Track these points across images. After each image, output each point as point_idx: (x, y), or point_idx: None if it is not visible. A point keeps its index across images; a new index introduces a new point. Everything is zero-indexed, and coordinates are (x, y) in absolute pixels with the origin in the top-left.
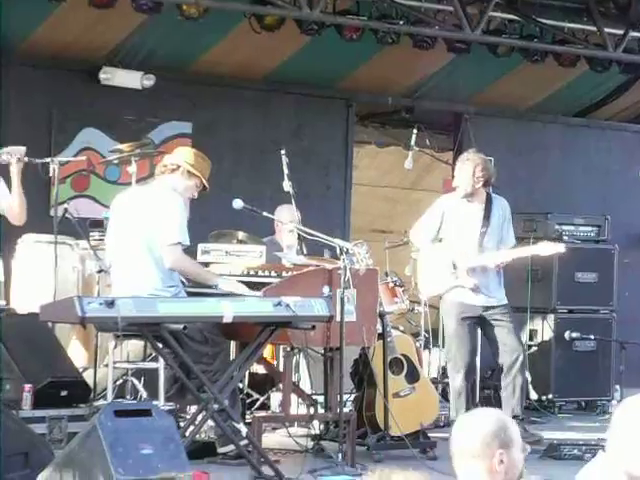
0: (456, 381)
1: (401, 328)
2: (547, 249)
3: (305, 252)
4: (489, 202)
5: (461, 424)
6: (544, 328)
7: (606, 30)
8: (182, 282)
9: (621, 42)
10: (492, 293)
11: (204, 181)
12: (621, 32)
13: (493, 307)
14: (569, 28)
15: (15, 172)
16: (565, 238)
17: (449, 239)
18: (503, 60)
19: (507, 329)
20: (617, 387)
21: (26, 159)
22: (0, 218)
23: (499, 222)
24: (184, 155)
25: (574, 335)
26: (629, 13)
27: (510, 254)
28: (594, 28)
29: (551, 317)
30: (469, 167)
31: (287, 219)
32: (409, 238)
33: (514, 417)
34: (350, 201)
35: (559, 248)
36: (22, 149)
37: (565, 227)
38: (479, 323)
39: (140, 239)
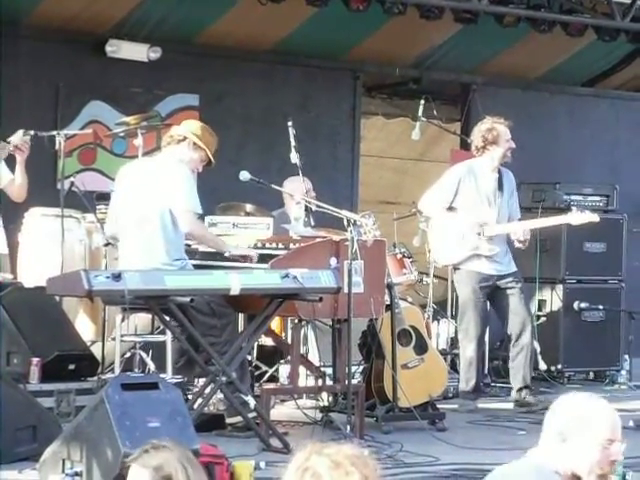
0: (468, 351)
1: (409, 299)
2: (579, 218)
3: (313, 224)
4: (499, 173)
5: None
6: (553, 298)
7: None
8: (192, 252)
9: (629, 11)
10: (503, 261)
11: (210, 155)
12: (629, 1)
13: (505, 275)
14: None
15: (20, 160)
16: (573, 208)
17: (465, 208)
18: (510, 30)
19: (518, 297)
20: (626, 357)
21: (32, 132)
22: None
23: (509, 194)
24: (191, 127)
25: (583, 305)
26: None
27: (540, 222)
28: None
29: (560, 287)
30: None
31: (295, 191)
32: (418, 208)
33: (525, 387)
34: (358, 173)
35: (593, 218)
36: (20, 134)
37: (573, 197)
38: (491, 293)
39: (147, 210)
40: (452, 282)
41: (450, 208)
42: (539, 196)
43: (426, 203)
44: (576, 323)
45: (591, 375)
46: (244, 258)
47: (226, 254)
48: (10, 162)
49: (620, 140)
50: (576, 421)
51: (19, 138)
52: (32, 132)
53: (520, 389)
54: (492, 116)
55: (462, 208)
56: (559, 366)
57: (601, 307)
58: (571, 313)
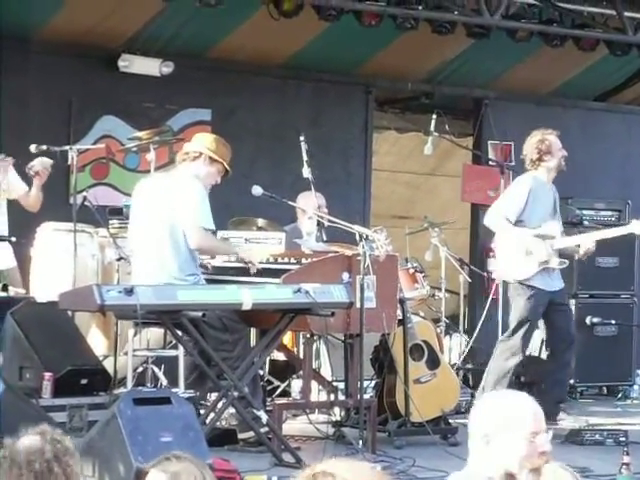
0: (510, 362)
1: (421, 314)
2: None
3: (325, 239)
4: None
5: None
6: None
7: (625, 14)
8: (205, 267)
9: None
10: (559, 276)
11: (226, 166)
12: None
13: (560, 291)
14: (588, 12)
15: (37, 184)
16: (586, 223)
17: (534, 220)
18: (522, 45)
19: (566, 313)
20: (638, 372)
21: (44, 147)
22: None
23: (558, 206)
24: (205, 142)
25: (595, 320)
26: None
27: (603, 234)
28: (613, 12)
29: (572, 302)
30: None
31: (307, 206)
32: (484, 223)
33: (559, 402)
34: (370, 187)
35: None
36: (49, 162)
37: (586, 212)
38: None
39: (161, 226)
40: (464, 296)
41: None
42: None
43: (493, 217)
44: (589, 338)
45: (604, 390)
46: (249, 262)
47: (232, 256)
48: (23, 176)
49: (632, 155)
50: (497, 420)
51: (40, 163)
52: (44, 147)
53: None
54: (497, 133)
55: (530, 221)
56: (572, 381)
57: (613, 322)
58: (584, 328)
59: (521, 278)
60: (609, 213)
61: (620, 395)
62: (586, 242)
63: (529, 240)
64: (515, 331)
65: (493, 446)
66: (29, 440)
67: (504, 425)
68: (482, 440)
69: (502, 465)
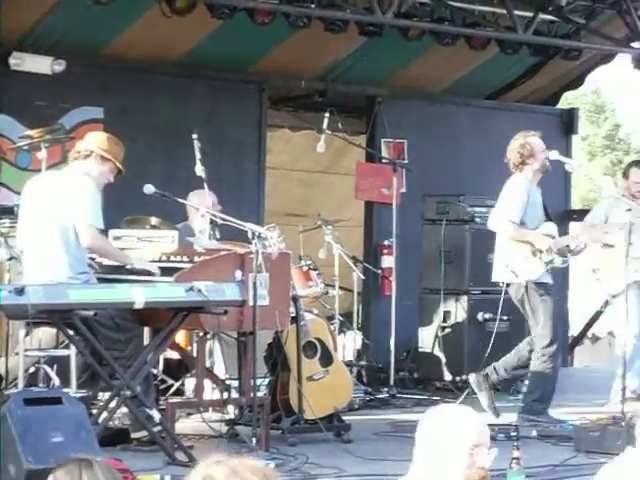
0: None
1: (315, 311)
2: None
3: (218, 237)
4: None
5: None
6: (457, 309)
7: (516, 12)
8: (92, 266)
9: (531, 24)
10: None
11: (118, 165)
12: (530, 14)
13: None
14: (479, 11)
15: None
16: (477, 220)
17: (532, 221)
18: (414, 43)
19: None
20: None
21: None
22: None
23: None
24: (97, 140)
25: (487, 316)
26: None
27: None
28: (504, 11)
29: (464, 298)
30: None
31: (199, 204)
32: (488, 227)
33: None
34: (264, 185)
35: None
36: None
37: (477, 209)
38: None
39: (51, 224)
40: (358, 293)
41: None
42: (443, 208)
43: (500, 221)
44: (480, 334)
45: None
46: (146, 272)
47: (128, 267)
48: None
49: None
50: (439, 434)
51: None
52: None
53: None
54: (390, 131)
55: (531, 221)
56: (464, 377)
57: (505, 318)
58: (475, 324)
59: (533, 278)
60: None
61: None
62: (580, 240)
63: (535, 240)
64: (552, 336)
65: (437, 460)
66: None
67: (446, 439)
68: (427, 449)
69: (443, 476)
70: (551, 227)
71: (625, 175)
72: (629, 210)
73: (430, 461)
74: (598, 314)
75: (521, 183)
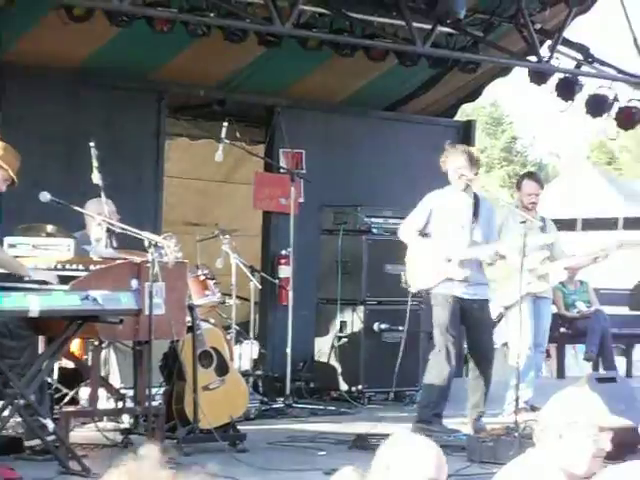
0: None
1: (212, 321)
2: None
3: (115, 245)
4: (476, 199)
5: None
6: (354, 319)
7: (414, 25)
8: None
9: (429, 37)
10: (475, 286)
11: (12, 173)
12: (429, 27)
13: (476, 301)
14: (378, 22)
15: None
16: (374, 230)
17: (439, 233)
18: (314, 53)
19: (484, 326)
20: None
21: None
22: None
23: (485, 219)
24: None
25: (383, 326)
26: (437, 8)
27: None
28: (403, 23)
29: (360, 309)
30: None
31: (96, 212)
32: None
33: (480, 413)
34: (162, 194)
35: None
36: None
37: (374, 219)
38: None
39: None
40: (255, 303)
41: (426, 233)
42: (340, 219)
43: (403, 232)
44: (376, 344)
45: (391, 395)
46: (44, 282)
47: (25, 279)
48: None
49: (420, 164)
50: (397, 463)
51: None
52: None
53: (478, 415)
54: (289, 141)
55: (435, 234)
56: (360, 387)
57: (401, 328)
58: (371, 334)
59: (427, 287)
60: (397, 221)
61: (407, 401)
62: (480, 256)
63: (433, 251)
64: (438, 339)
65: None
66: None
67: (404, 468)
68: (381, 476)
69: None
70: (457, 238)
71: (518, 187)
72: (523, 222)
73: None
74: (493, 325)
75: (428, 196)
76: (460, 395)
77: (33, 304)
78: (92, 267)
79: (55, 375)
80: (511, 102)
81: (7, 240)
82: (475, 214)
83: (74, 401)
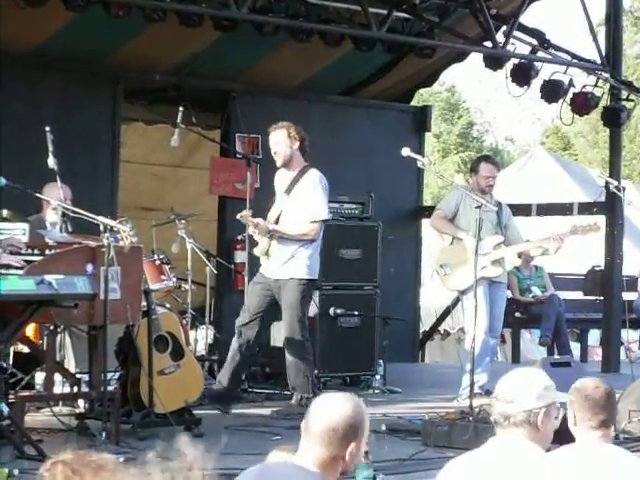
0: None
1: (167, 305)
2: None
3: (70, 230)
4: None
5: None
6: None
7: (370, 10)
8: None
9: (385, 22)
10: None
11: None
12: (385, 12)
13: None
14: (334, 7)
15: None
16: (330, 216)
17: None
18: (270, 38)
19: None
20: (380, 362)
21: None
22: None
23: None
24: None
25: (338, 311)
26: None
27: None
28: (359, 8)
29: (316, 293)
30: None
31: (51, 197)
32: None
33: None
34: (118, 178)
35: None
36: None
37: (330, 204)
38: None
39: None
40: (211, 288)
41: None
42: None
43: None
44: (332, 329)
45: (347, 380)
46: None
47: None
48: None
49: (376, 149)
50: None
51: None
52: None
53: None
54: (244, 126)
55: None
56: (315, 372)
57: (356, 313)
58: (327, 319)
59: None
60: (353, 206)
61: (363, 385)
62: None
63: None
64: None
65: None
66: None
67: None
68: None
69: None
70: None
71: (474, 170)
72: (479, 207)
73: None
74: (448, 310)
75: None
76: (414, 379)
77: None
78: (47, 251)
79: (10, 360)
80: (468, 88)
81: None
82: None
83: (29, 386)
